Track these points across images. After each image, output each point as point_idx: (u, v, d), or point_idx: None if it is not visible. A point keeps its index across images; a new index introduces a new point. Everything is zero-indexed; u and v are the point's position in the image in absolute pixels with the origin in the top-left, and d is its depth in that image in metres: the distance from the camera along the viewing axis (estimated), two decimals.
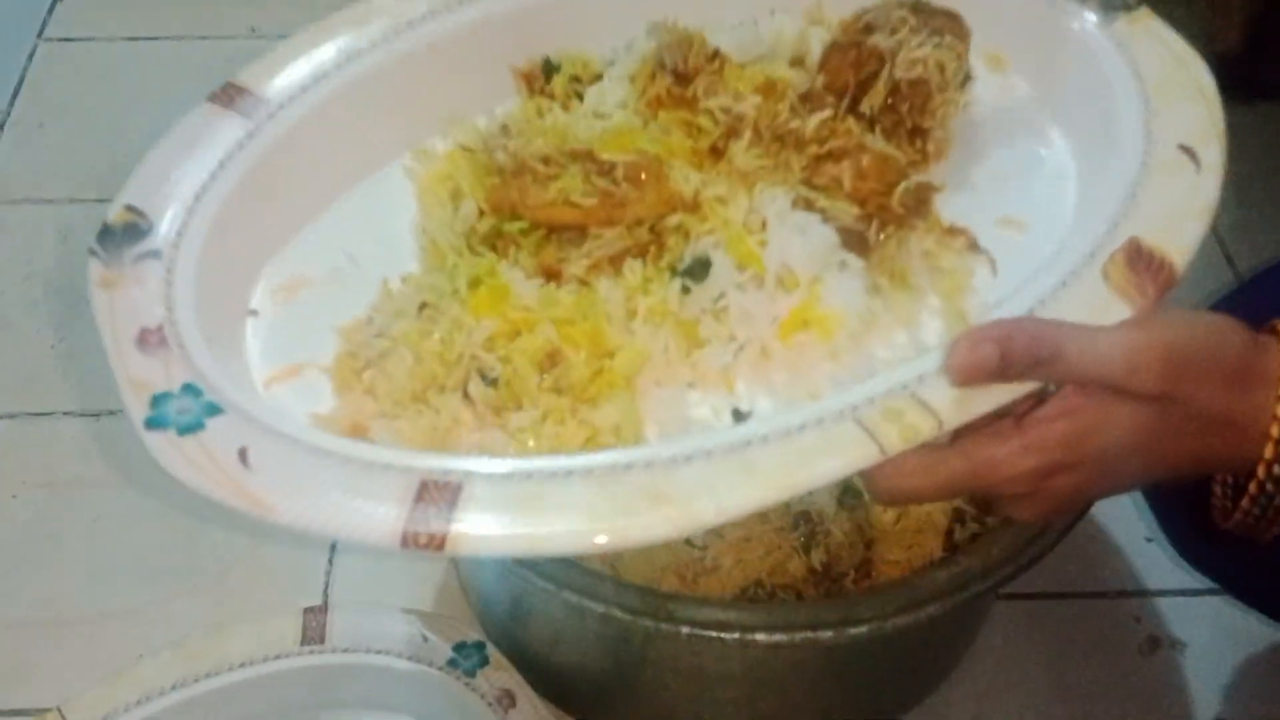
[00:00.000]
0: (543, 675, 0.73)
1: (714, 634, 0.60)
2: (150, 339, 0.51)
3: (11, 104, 1.15)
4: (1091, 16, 0.64)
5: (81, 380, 0.95)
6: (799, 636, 0.60)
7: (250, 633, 0.75)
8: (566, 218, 0.56)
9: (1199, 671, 0.80)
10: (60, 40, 1.22)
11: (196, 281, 0.54)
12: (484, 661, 0.72)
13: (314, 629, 0.74)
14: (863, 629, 0.60)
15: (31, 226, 1.05)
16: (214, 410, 0.49)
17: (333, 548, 0.85)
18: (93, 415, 0.93)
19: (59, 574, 0.85)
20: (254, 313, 0.58)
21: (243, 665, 0.74)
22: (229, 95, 0.61)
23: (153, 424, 0.48)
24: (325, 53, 0.63)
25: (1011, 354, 0.47)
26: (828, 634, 0.59)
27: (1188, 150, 0.57)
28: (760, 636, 0.59)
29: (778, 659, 0.67)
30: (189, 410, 0.49)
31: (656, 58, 0.61)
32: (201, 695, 0.73)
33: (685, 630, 0.60)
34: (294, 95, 0.61)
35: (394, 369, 0.53)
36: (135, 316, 0.52)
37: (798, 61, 0.63)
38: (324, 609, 0.76)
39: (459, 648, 0.73)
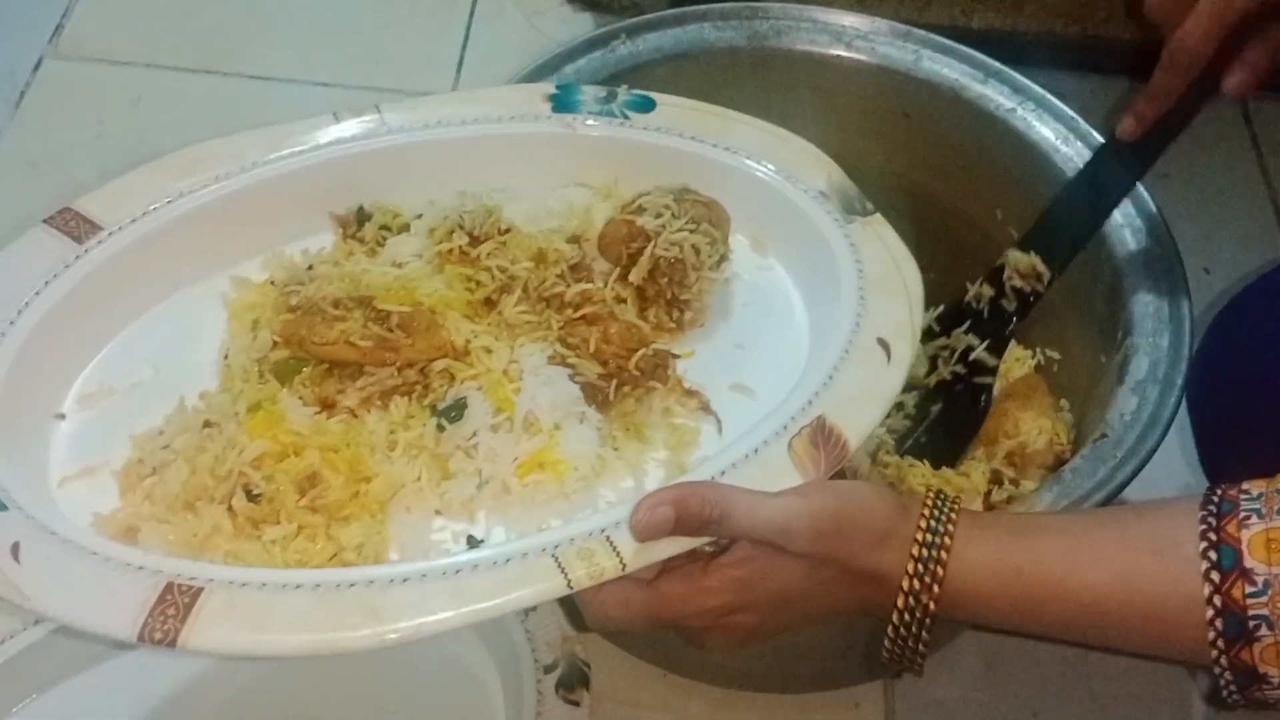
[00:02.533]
0: None
1: None
2: None
3: None
4: (836, 215, 0.74)
5: None
6: None
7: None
8: (346, 356, 0.64)
9: None
10: None
11: (5, 389, 0.61)
12: None
13: None
14: None
15: (105, 87, 1.04)
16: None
17: None
18: None
19: None
20: (62, 416, 0.65)
21: None
22: (64, 219, 0.69)
23: None
24: (160, 186, 0.71)
25: (685, 515, 0.56)
26: None
27: (884, 343, 0.67)
28: None
29: None
30: None
31: (457, 220, 0.70)
32: None
33: None
34: (122, 225, 0.69)
35: (171, 478, 0.60)
36: None
37: (574, 238, 0.72)
38: None
39: None
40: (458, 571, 0.56)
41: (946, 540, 0.57)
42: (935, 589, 0.57)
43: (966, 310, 0.84)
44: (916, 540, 0.57)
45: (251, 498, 0.60)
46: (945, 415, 0.83)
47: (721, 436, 0.68)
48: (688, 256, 0.71)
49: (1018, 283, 0.80)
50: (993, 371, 0.82)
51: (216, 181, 0.73)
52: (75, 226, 0.69)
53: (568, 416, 0.65)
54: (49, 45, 1.08)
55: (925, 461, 0.80)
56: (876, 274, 0.71)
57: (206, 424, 0.63)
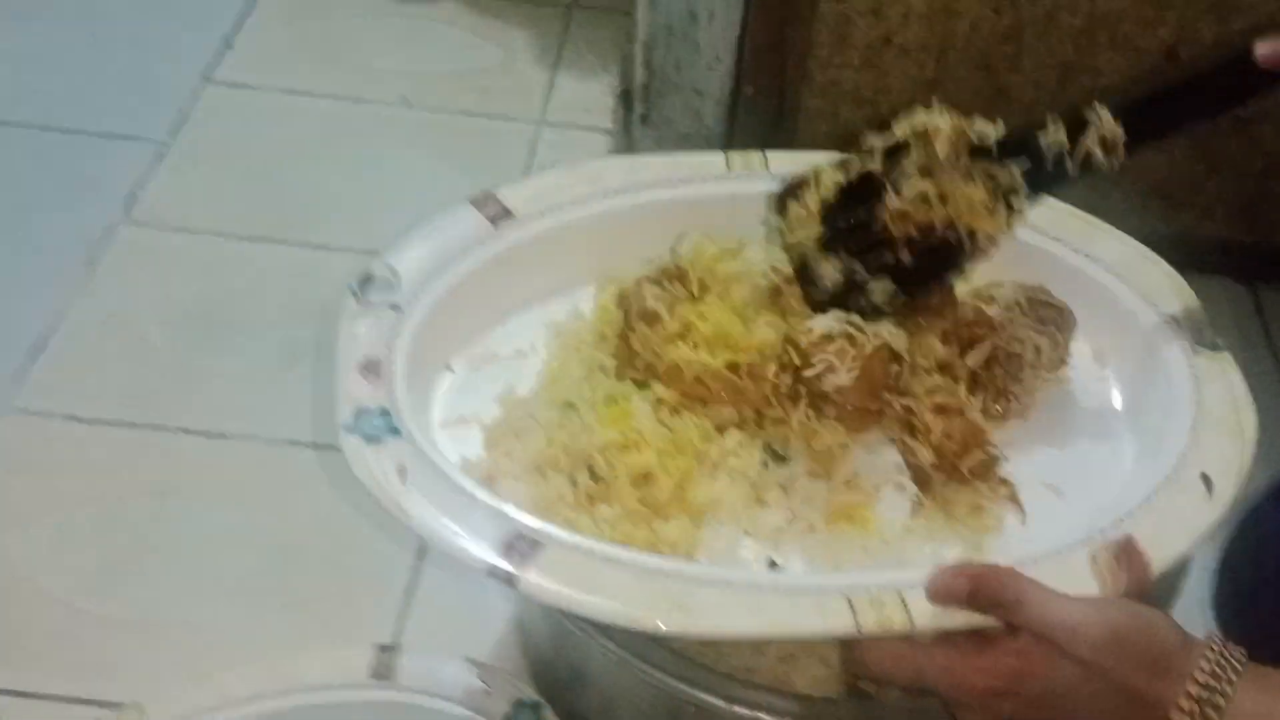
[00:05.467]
0: None
1: (762, 715, 0.66)
2: (370, 368, 0.69)
3: (174, 137, 1.23)
4: (1185, 346, 0.75)
5: (204, 401, 0.99)
6: None
7: (326, 659, 0.80)
8: (697, 393, 0.71)
9: None
10: (226, 84, 1.31)
11: (416, 337, 0.72)
12: None
13: (384, 666, 0.80)
14: None
15: (178, 253, 1.12)
16: (395, 432, 0.66)
17: (409, 592, 0.91)
18: (207, 436, 0.97)
19: (155, 580, 0.89)
20: (450, 369, 0.76)
21: (315, 689, 0.78)
22: (486, 201, 0.80)
23: (349, 429, 0.66)
24: (573, 189, 0.81)
25: (981, 591, 0.59)
26: None
27: (1206, 478, 0.67)
28: None
29: None
30: (378, 428, 0.66)
31: None
32: (274, 711, 0.77)
33: (736, 709, 0.66)
34: (535, 216, 0.79)
35: (530, 444, 0.69)
36: (365, 348, 0.70)
37: (947, 338, 0.74)
38: (395, 648, 0.82)
39: (517, 705, 0.78)
40: (759, 588, 0.61)
41: (1228, 689, 0.57)
42: None
43: (1029, 144, 0.70)
44: (1196, 680, 0.58)
45: (594, 477, 0.67)
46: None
47: (1023, 528, 0.70)
48: (1027, 355, 0.74)
49: (1095, 150, 0.68)
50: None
51: (618, 193, 0.82)
52: (494, 210, 0.80)
53: (887, 483, 0.69)
54: (122, 212, 1.16)
55: None
56: (1214, 412, 0.71)
57: (568, 404, 0.71)
